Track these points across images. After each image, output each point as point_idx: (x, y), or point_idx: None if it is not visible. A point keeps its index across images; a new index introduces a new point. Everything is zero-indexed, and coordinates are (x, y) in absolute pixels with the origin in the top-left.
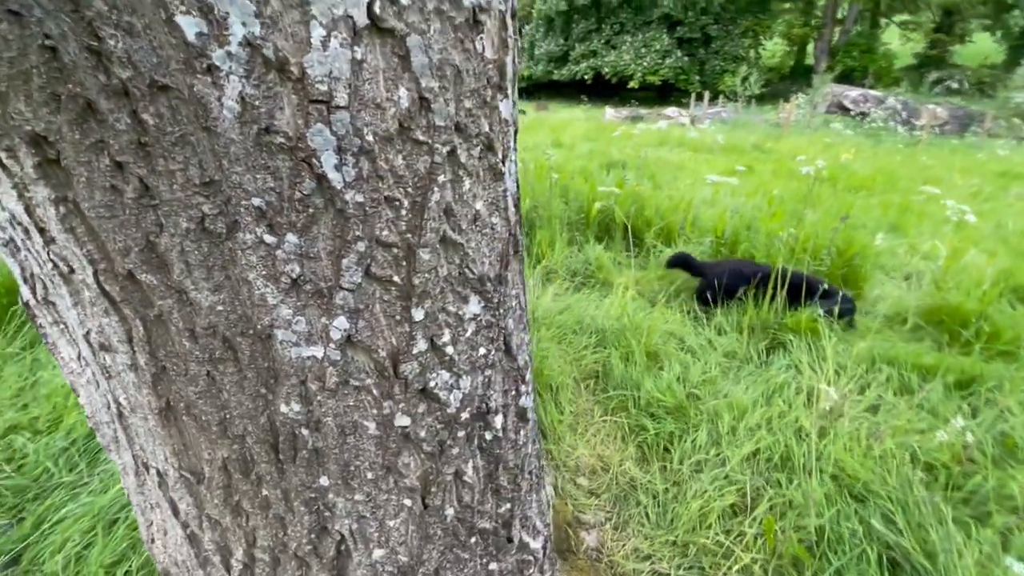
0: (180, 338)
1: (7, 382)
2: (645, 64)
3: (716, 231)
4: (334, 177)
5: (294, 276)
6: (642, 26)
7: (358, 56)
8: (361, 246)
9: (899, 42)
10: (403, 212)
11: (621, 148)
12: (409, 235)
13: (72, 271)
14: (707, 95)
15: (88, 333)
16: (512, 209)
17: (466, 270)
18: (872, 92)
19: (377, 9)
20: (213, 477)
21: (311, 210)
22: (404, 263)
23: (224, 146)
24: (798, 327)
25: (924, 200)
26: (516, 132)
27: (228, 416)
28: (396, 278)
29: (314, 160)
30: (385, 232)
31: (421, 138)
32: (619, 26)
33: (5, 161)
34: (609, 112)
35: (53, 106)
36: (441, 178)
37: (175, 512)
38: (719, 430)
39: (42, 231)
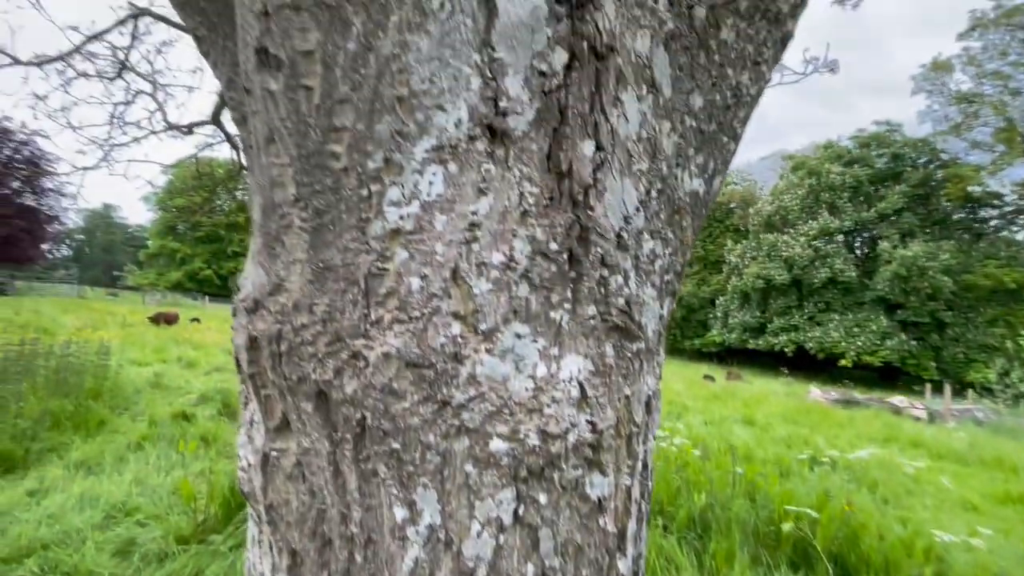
0: None
1: None
2: (859, 343)
3: None
4: None
5: None
6: (852, 306)
7: (500, 543)
8: None
9: None
10: None
11: (830, 438)
12: None
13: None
14: (948, 387)
15: None
16: None
17: None
18: None
19: (521, 511)
20: None
21: None
22: None
23: None
24: None
25: None
26: (641, 574)
27: None
28: None
29: None
30: None
31: None
32: (824, 304)
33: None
34: (815, 391)
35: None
36: None
37: None
38: None
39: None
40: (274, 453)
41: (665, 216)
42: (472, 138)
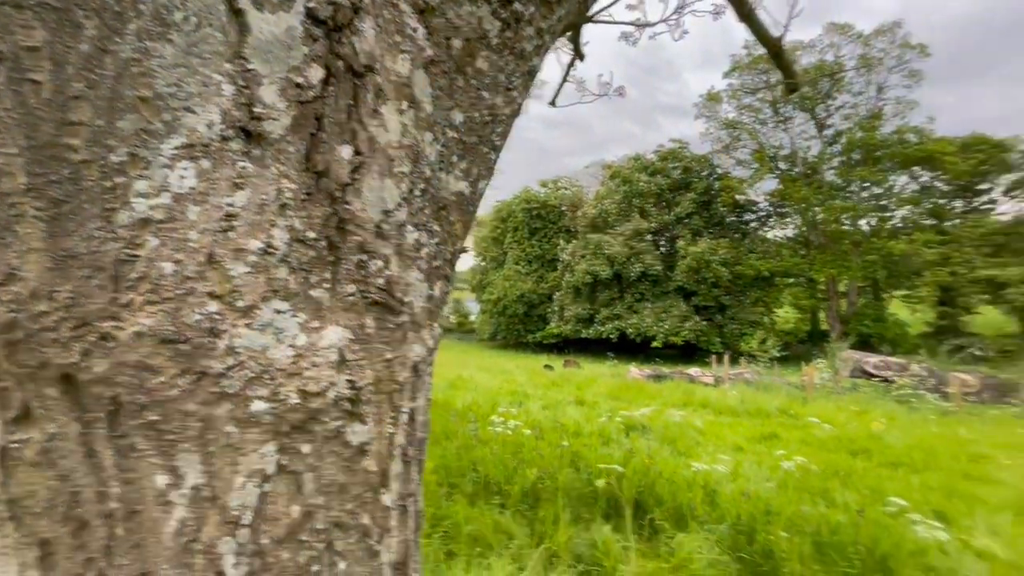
0: None
1: None
2: (666, 327)
3: (730, 517)
4: (230, 572)
5: None
6: (660, 295)
7: (264, 491)
8: None
9: (908, 312)
10: None
11: (644, 408)
12: None
13: None
14: (727, 357)
15: None
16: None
17: None
18: (892, 359)
19: (285, 461)
20: None
21: None
22: None
23: (163, 550)
24: None
25: (973, 480)
26: (409, 513)
27: None
28: None
29: (219, 560)
30: None
31: (304, 538)
32: (639, 295)
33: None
34: (633, 370)
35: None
36: (316, 567)
37: None
38: None
39: None
40: (14, 445)
41: (430, 211)
42: (225, 138)
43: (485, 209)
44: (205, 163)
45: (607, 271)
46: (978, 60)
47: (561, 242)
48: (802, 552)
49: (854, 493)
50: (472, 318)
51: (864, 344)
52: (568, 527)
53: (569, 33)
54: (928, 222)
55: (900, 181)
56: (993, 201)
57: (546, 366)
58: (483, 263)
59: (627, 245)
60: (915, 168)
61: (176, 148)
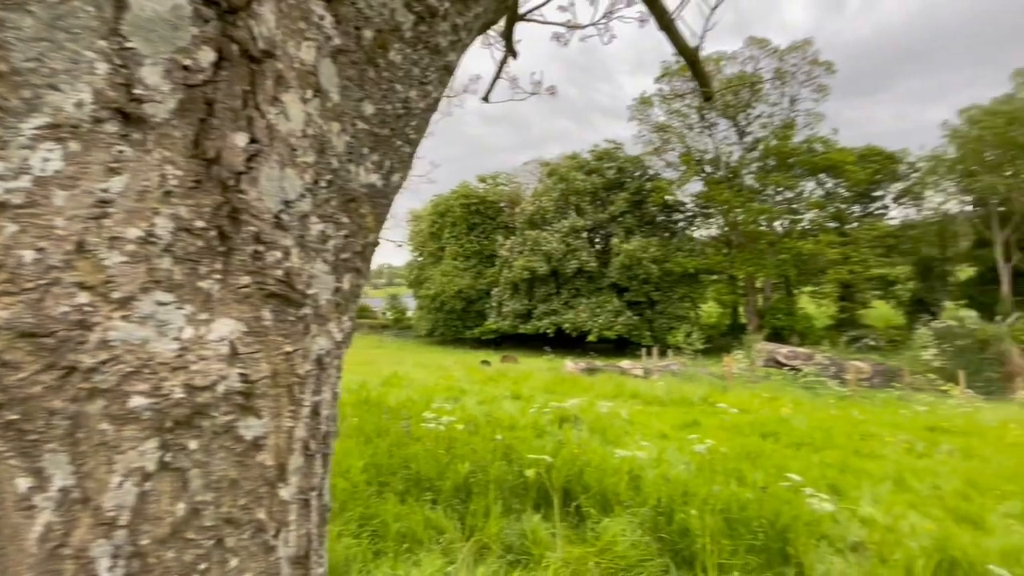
0: None
1: None
2: (600, 321)
3: (652, 500)
4: (105, 575)
5: None
6: (595, 291)
7: (145, 489)
8: None
9: (814, 307)
10: None
11: (577, 400)
12: None
13: None
14: (656, 350)
15: None
16: (287, 571)
17: None
18: (799, 349)
19: (168, 457)
20: None
21: None
22: None
23: (26, 557)
24: None
25: (862, 456)
26: (311, 507)
27: None
28: None
29: (92, 564)
30: None
31: (191, 536)
32: (575, 290)
33: None
34: (568, 364)
35: None
36: (203, 564)
37: None
38: None
39: None
40: None
41: (337, 203)
42: (99, 120)
43: (422, 203)
44: (74, 145)
45: (544, 267)
46: (876, 80)
47: (499, 238)
48: (713, 528)
49: (762, 472)
50: (409, 314)
51: (777, 336)
52: (499, 519)
53: (503, 30)
54: (832, 224)
55: (809, 187)
56: (886, 207)
57: (483, 362)
58: (420, 258)
59: (564, 242)
60: (821, 175)
61: (38, 128)
